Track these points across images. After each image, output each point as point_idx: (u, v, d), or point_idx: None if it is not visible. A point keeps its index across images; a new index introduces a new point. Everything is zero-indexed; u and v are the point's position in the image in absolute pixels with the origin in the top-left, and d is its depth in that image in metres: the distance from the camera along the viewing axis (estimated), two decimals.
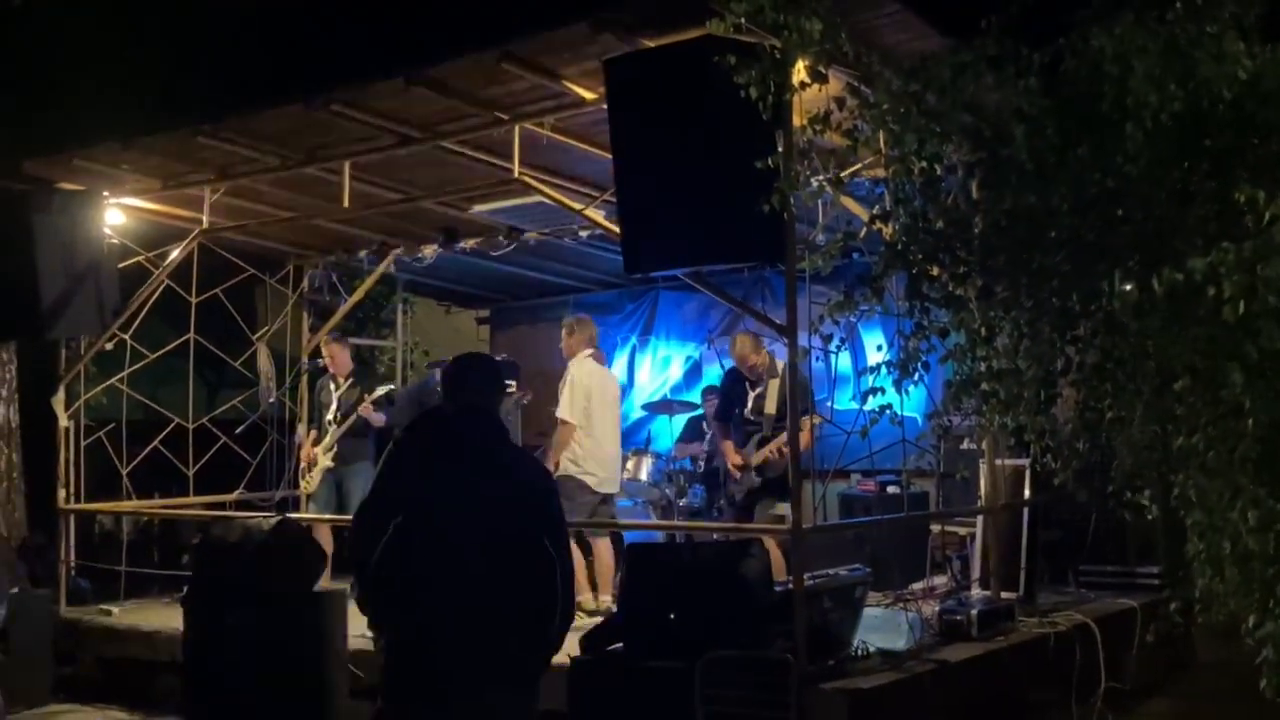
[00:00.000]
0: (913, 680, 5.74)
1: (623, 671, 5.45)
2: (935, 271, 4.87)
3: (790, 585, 5.53)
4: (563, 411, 7.96)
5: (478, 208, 8.37)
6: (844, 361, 10.35)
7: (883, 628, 6.43)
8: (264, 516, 6.96)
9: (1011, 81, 4.56)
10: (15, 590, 7.95)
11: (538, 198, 7.74)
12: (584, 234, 9.04)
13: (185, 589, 6.82)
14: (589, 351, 8.26)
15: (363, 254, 10.06)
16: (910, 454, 8.62)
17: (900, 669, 5.81)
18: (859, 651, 5.88)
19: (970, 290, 4.91)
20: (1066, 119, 4.42)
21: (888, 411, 5.59)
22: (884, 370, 5.27)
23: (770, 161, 5.00)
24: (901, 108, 4.55)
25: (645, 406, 10.87)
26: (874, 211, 5.25)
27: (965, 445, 8.45)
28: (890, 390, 5.38)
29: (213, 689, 6.40)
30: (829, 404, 10.40)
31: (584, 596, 7.40)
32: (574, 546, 7.74)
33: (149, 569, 9.55)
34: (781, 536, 6.37)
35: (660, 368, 11.49)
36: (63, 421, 8.89)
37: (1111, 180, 4.41)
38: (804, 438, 7.62)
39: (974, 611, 6.54)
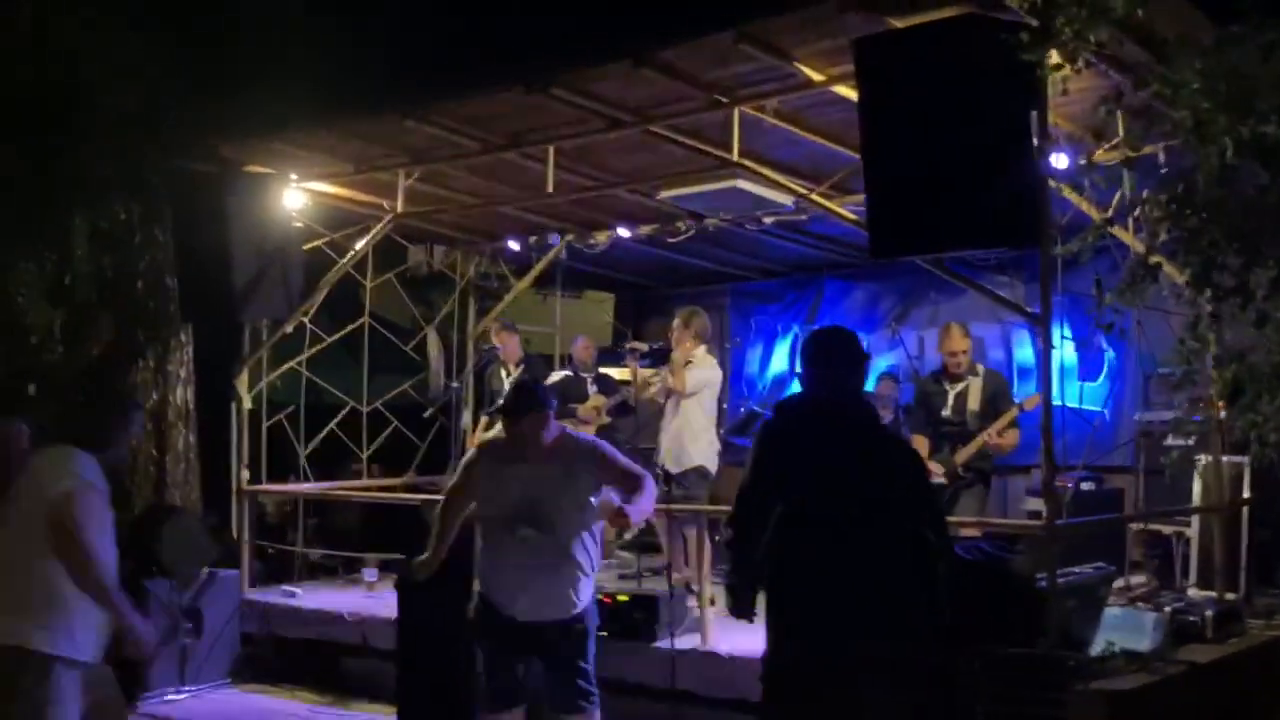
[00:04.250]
0: (1166, 682, 5.55)
1: None
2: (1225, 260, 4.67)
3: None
4: (707, 406, 8.06)
5: (665, 193, 8.25)
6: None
7: (1111, 626, 6.24)
8: None
9: None
10: (206, 571, 8.05)
11: (732, 183, 7.65)
12: (769, 220, 8.92)
13: (399, 575, 6.79)
14: (708, 345, 8.26)
15: (533, 240, 10.02)
16: (1103, 450, 8.52)
17: (1151, 670, 5.62)
18: (1106, 651, 5.69)
19: (1259, 280, 4.70)
20: None
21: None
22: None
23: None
24: (1215, 86, 4.36)
25: None
26: (1145, 195, 5.08)
27: (1169, 441, 8.20)
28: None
29: (428, 674, 6.42)
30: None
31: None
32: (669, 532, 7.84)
33: (324, 550, 9.64)
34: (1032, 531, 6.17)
35: None
36: (247, 404, 8.96)
37: None
38: (1013, 435, 7.51)
39: (1209, 613, 6.33)
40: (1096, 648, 5.73)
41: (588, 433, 9.38)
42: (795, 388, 11.26)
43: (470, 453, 5.31)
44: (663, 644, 6.44)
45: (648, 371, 8.71)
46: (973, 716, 4.54)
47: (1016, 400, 7.67)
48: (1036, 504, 8.40)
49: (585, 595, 5.06)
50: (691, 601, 6.97)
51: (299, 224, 8.75)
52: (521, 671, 5.10)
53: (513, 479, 4.99)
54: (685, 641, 6.59)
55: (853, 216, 6.57)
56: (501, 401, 5.24)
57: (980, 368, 7.79)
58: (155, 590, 7.48)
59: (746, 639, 6.63)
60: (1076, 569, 5.88)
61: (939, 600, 3.74)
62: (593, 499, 5.03)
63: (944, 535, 3.86)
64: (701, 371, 8.09)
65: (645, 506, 5.03)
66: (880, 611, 3.70)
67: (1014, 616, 5.05)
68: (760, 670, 3.91)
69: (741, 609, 4.06)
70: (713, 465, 8.07)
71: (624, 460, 5.14)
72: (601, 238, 9.63)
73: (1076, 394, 9.43)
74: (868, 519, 3.74)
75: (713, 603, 6.76)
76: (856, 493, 3.77)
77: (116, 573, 4.22)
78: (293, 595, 8.53)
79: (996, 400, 7.58)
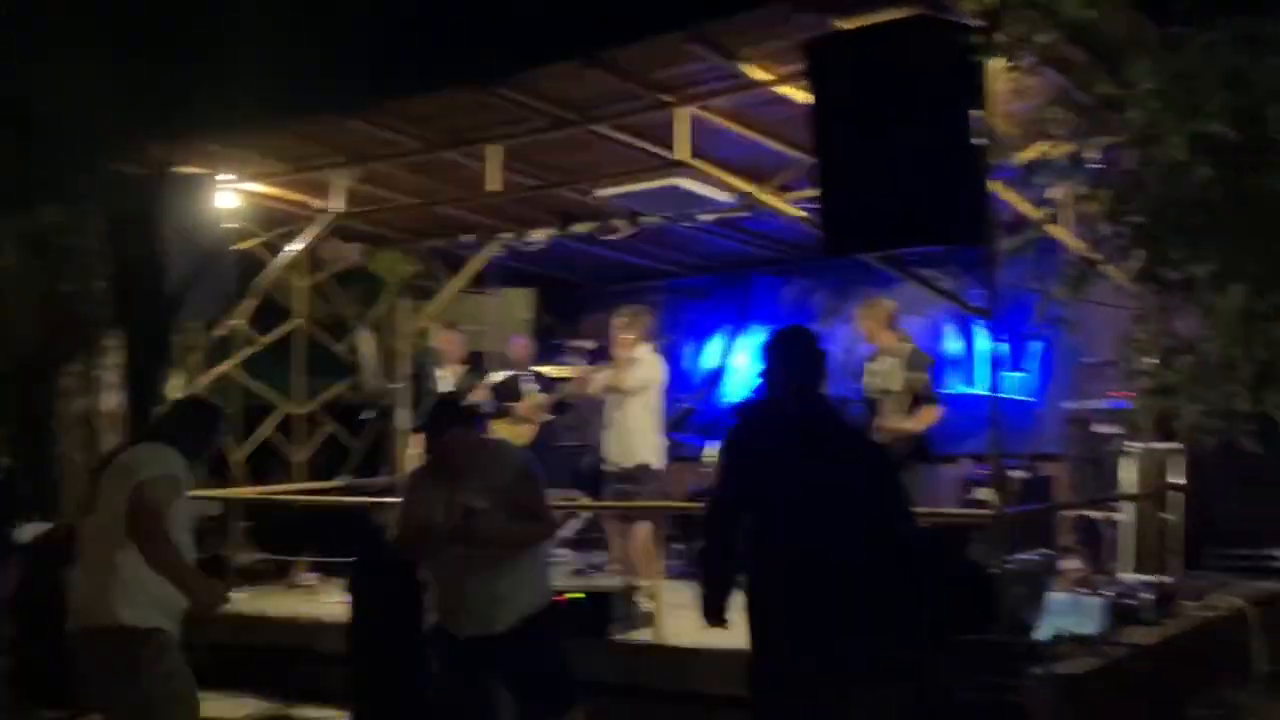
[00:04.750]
0: (1113, 664, 5.75)
1: None
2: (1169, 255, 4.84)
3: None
4: (652, 403, 8.14)
5: (604, 191, 8.29)
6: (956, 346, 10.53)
7: (1057, 611, 6.41)
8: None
9: (1262, 60, 4.52)
10: None
11: (672, 181, 7.72)
12: (706, 219, 8.99)
13: (350, 577, 6.74)
14: (652, 343, 8.34)
15: (467, 239, 9.97)
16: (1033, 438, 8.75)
17: (1098, 653, 5.81)
18: (1054, 636, 5.87)
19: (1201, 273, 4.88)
20: None
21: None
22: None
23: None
24: (1164, 86, 4.52)
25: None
26: (1085, 192, 5.24)
27: (1095, 429, 8.43)
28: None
29: (384, 677, 6.38)
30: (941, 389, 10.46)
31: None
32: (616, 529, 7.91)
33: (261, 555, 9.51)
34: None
35: (756, 353, 11.42)
36: None
37: None
38: (928, 416, 7.67)
39: (1147, 597, 6.55)
40: (1042, 632, 5.90)
41: (528, 431, 9.43)
42: (729, 383, 11.45)
43: (406, 480, 5.26)
44: (617, 639, 6.49)
45: (591, 369, 8.74)
46: (945, 700, 4.65)
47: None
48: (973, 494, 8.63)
49: (540, 595, 5.01)
50: (642, 597, 7.02)
51: (232, 225, 8.64)
52: (480, 698, 4.98)
53: (440, 502, 4.88)
54: (639, 636, 6.64)
55: (800, 213, 6.67)
56: (422, 420, 5.16)
57: (909, 350, 7.92)
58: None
59: (698, 633, 6.74)
60: (1023, 555, 6.05)
61: (917, 592, 3.80)
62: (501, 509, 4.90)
63: (913, 526, 3.92)
64: (644, 369, 8.16)
65: (519, 539, 4.95)
66: (862, 611, 3.76)
67: (969, 604, 5.17)
68: (747, 677, 3.95)
69: (714, 616, 4.07)
70: (658, 462, 8.13)
71: (541, 499, 5.05)
72: (539, 235, 9.62)
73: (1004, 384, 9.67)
74: (842, 518, 3.79)
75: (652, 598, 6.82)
76: (828, 493, 3.81)
77: (188, 555, 4.51)
78: (230, 600, 8.39)
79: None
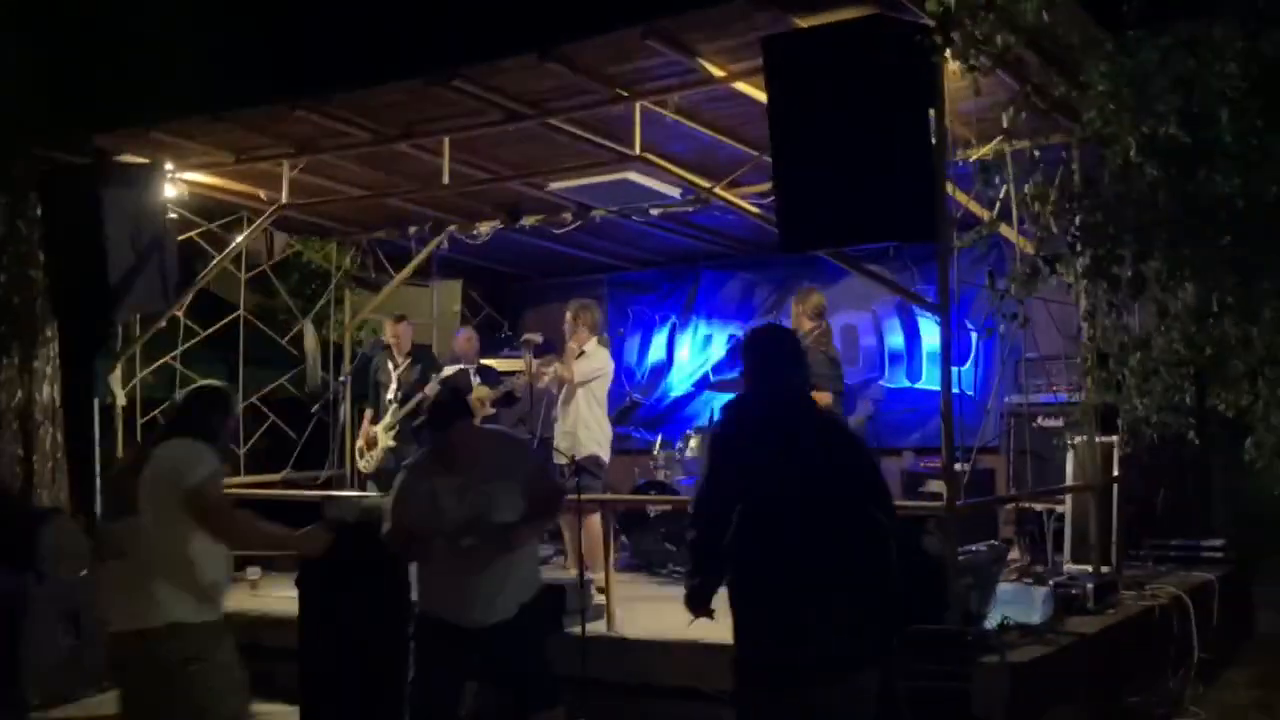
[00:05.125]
0: (1059, 652, 5.88)
1: None
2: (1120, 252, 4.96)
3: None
4: (600, 396, 8.23)
5: (555, 185, 8.29)
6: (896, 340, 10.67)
7: (1004, 600, 6.54)
8: (382, 496, 6.86)
9: (1209, 64, 4.64)
10: (85, 573, 7.80)
11: (623, 175, 7.75)
12: (655, 213, 9.03)
13: (300, 572, 6.68)
14: (599, 337, 8.42)
15: (413, 230, 9.93)
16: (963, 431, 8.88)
17: (1044, 641, 5.94)
18: (1002, 624, 5.98)
19: (1150, 271, 5.01)
20: (1270, 102, 4.52)
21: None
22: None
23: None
24: (1118, 89, 4.62)
25: (711, 387, 10.87)
26: (1027, 191, 5.36)
27: (1039, 423, 8.60)
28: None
29: (329, 675, 6.34)
30: (881, 382, 10.62)
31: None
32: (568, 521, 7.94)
33: None
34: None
35: (701, 346, 11.52)
36: (120, 400, 8.70)
37: None
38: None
39: (1090, 586, 6.70)
40: (990, 621, 6.02)
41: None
42: (674, 376, 11.51)
43: (399, 477, 5.24)
44: (572, 632, 6.50)
45: (539, 361, 8.75)
46: (895, 692, 4.72)
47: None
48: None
49: (534, 586, 5.06)
50: (594, 589, 7.05)
51: (174, 215, 8.53)
52: (461, 692, 5.00)
53: (446, 493, 4.90)
54: (592, 628, 6.66)
55: (754, 210, 6.73)
56: (424, 416, 5.12)
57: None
58: (34, 594, 7.22)
59: (652, 623, 6.79)
60: (972, 547, 6.16)
61: (893, 582, 3.89)
62: (522, 497, 4.99)
63: (893, 517, 4.01)
64: (592, 362, 8.19)
65: (540, 526, 5.08)
66: (843, 600, 3.84)
67: (924, 594, 5.27)
68: (731, 665, 4.00)
69: (701, 608, 4.12)
70: (606, 454, 8.17)
71: (554, 481, 5.21)
72: (484, 228, 9.60)
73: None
74: (823, 510, 3.87)
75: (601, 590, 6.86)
76: (811, 487, 3.89)
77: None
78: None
79: None
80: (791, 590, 3.83)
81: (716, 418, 4.53)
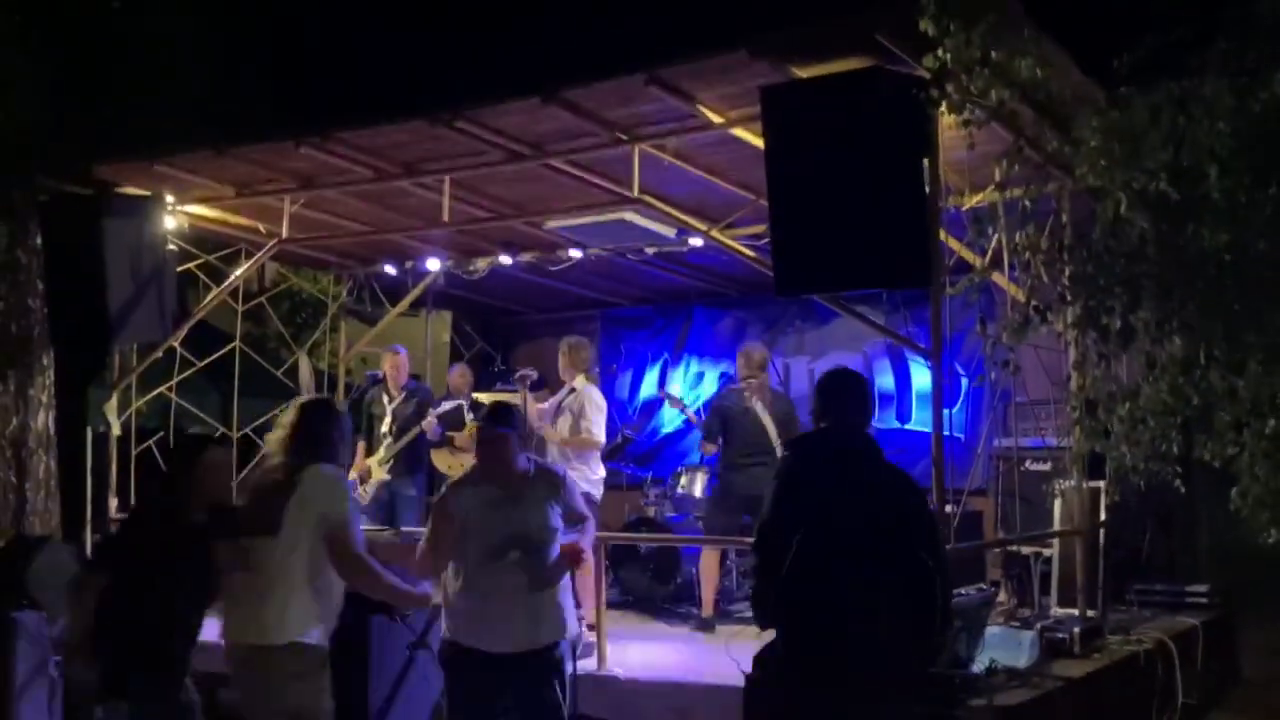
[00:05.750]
0: (1045, 696, 5.93)
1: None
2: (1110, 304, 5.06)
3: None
4: (598, 434, 8.24)
5: (553, 223, 8.39)
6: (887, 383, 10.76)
7: (991, 644, 6.60)
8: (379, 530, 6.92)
9: (1199, 121, 4.76)
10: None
11: (620, 215, 7.85)
12: (650, 251, 9.13)
13: None
14: (592, 373, 8.51)
15: (408, 265, 10.02)
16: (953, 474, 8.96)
17: (1031, 684, 6.00)
18: (989, 667, 6.04)
19: (1139, 322, 5.11)
20: (1259, 159, 4.63)
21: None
22: None
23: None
24: (1110, 144, 4.74)
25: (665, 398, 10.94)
26: (1019, 241, 5.47)
27: (1027, 466, 8.67)
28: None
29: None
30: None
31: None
32: None
33: None
34: None
35: (693, 383, 11.60)
36: (115, 430, 8.74)
37: None
38: None
39: (1076, 630, 6.76)
40: (978, 665, 6.08)
41: (468, 461, 9.43)
42: (665, 412, 11.58)
43: (441, 493, 5.25)
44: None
45: (534, 397, 8.79)
46: None
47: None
48: None
49: (570, 613, 5.09)
50: (586, 628, 7.08)
51: (174, 246, 8.60)
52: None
53: (493, 508, 4.91)
54: (582, 666, 6.69)
55: (749, 252, 6.83)
56: (484, 411, 5.18)
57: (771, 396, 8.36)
58: (24, 623, 7.22)
59: (642, 661, 6.84)
60: (963, 590, 6.22)
61: (934, 620, 4.12)
62: (559, 527, 5.04)
63: (940, 558, 4.20)
64: (592, 411, 8.21)
65: (588, 547, 5.15)
66: (885, 630, 4.06)
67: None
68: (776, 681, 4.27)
69: (767, 623, 4.37)
70: (598, 492, 8.21)
71: (580, 499, 5.25)
72: (482, 264, 9.70)
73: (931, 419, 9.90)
74: (874, 544, 4.11)
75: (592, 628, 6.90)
76: (864, 520, 4.13)
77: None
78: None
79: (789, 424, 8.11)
80: (837, 614, 4.05)
81: (784, 452, 4.66)
